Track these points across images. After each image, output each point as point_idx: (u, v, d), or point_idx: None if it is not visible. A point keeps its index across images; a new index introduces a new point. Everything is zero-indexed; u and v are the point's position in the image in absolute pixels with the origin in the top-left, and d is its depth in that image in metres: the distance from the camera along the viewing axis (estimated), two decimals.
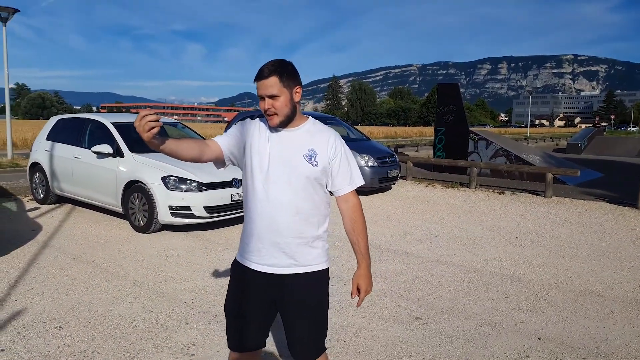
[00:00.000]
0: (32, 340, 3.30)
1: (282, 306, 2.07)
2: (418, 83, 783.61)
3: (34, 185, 8.09)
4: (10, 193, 8.51)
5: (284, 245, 1.98)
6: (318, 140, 2.00)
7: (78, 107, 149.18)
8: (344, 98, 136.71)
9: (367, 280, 2.10)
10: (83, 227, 6.54)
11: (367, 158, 9.39)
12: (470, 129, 14.21)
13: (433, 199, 9.59)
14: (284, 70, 1.92)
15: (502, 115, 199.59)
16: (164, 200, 6.00)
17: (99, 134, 7.05)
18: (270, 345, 3.32)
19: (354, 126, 11.70)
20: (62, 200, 7.94)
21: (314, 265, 2.03)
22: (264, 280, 2.03)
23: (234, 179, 6.51)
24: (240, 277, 2.09)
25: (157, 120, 1.76)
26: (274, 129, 1.99)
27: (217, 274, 4.79)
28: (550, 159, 14.06)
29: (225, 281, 4.60)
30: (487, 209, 8.70)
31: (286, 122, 1.97)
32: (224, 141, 2.04)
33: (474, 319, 3.91)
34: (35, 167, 7.97)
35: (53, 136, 7.81)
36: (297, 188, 1.95)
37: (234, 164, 2.10)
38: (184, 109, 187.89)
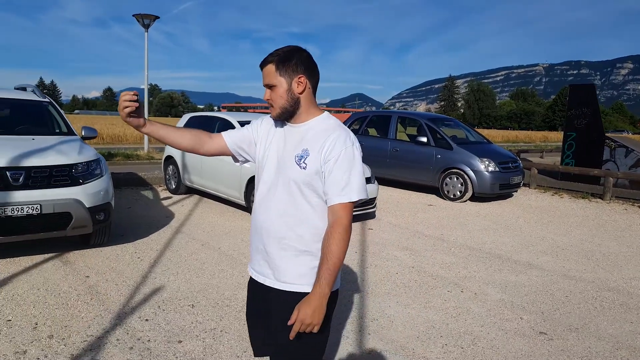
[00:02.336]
0: (170, 314, 3.67)
1: (270, 319, 1.85)
2: (544, 84, 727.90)
3: (167, 176, 8.95)
4: (147, 182, 9.52)
5: (266, 252, 1.80)
6: (317, 139, 1.72)
7: (201, 106, 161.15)
8: (460, 99, 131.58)
9: (308, 308, 1.61)
10: (210, 217, 7.10)
11: (487, 162, 8.94)
12: (607, 134, 12.85)
13: (560, 210, 8.85)
14: (284, 58, 1.71)
15: None
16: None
17: (224, 130, 7.59)
18: None
19: (474, 129, 11.19)
20: (191, 191, 8.68)
21: (297, 285, 1.74)
22: (256, 288, 1.91)
23: None
24: (249, 282, 2.00)
25: (135, 101, 1.70)
26: (279, 124, 1.84)
27: None
28: None
29: (344, 276, 4.70)
30: (625, 223, 7.82)
31: (286, 116, 1.77)
32: (230, 135, 1.92)
33: (608, 340, 3.55)
34: (169, 160, 8.82)
35: None
36: (285, 192, 1.74)
37: (248, 160, 1.97)
38: None
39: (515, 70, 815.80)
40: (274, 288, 1.79)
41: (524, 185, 10.71)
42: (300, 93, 1.74)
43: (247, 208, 6.99)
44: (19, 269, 4.46)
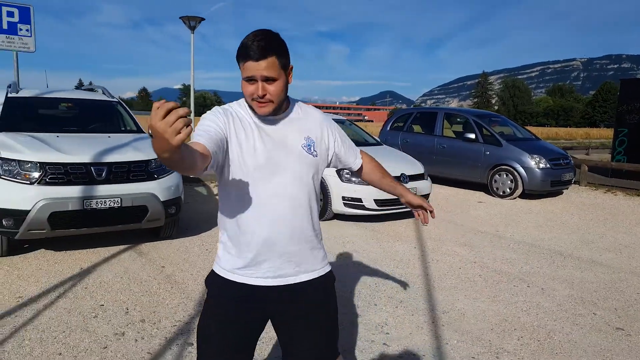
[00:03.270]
0: None
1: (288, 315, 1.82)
2: (582, 79, 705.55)
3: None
4: (198, 179, 9.81)
5: (288, 253, 1.71)
6: (313, 126, 1.75)
7: None
8: (494, 95, 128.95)
9: (413, 196, 1.98)
10: None
11: (538, 159, 8.82)
12: None
13: (615, 207, 8.65)
14: (283, 47, 1.56)
15: None
16: (338, 191, 6.40)
17: None
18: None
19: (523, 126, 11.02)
20: None
21: (323, 268, 1.84)
22: (262, 296, 1.74)
23: (402, 174, 6.67)
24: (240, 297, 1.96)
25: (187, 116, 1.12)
26: (247, 118, 1.64)
27: (394, 263, 4.98)
28: None
29: (402, 271, 4.78)
30: None
31: (278, 110, 1.63)
32: (208, 138, 1.50)
33: None
34: None
35: None
36: (295, 185, 1.66)
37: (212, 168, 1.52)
38: (326, 108, 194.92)
39: (551, 66, 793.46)
40: (299, 283, 1.71)
41: (574, 182, 10.51)
42: (289, 83, 1.63)
43: None
44: (99, 259, 4.72)
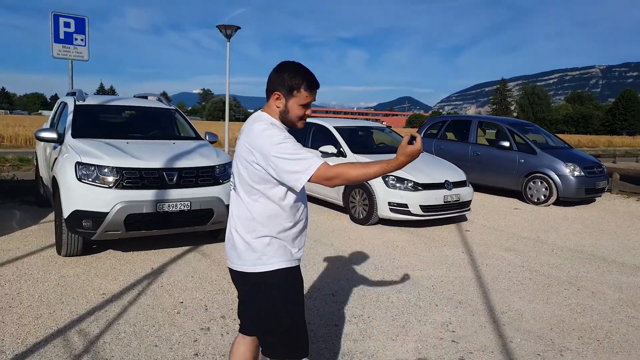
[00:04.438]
0: (316, 301, 4.08)
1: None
2: (600, 87, 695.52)
3: None
4: None
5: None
6: None
7: (251, 110, 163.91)
8: (512, 102, 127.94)
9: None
10: (310, 216, 7.52)
11: (572, 167, 8.94)
12: None
13: None
14: None
15: None
16: (384, 196, 6.63)
17: (321, 135, 8.02)
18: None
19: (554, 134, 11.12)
20: None
21: None
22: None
23: (446, 181, 6.88)
24: (301, 279, 2.22)
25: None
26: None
27: (446, 267, 5.18)
28: None
29: (454, 274, 4.98)
30: None
31: None
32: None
33: None
34: None
35: None
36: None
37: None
38: (345, 113, 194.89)
39: (569, 73, 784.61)
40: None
41: (607, 190, 10.58)
42: None
43: (344, 208, 7.38)
44: (166, 259, 5.02)
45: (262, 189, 2.01)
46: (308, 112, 2.09)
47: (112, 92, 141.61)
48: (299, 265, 2.18)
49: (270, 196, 2.02)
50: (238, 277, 2.17)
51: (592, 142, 43.59)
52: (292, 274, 2.13)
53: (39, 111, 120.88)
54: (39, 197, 7.12)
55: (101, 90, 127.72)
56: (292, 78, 2.02)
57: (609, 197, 10.60)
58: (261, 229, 2.04)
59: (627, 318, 4.01)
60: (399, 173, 6.70)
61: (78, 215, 4.58)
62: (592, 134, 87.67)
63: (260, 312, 2.12)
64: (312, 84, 2.05)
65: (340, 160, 7.41)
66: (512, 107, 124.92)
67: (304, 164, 1.90)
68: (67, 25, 8.54)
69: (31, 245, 5.32)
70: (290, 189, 2.02)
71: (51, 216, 6.52)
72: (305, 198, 2.21)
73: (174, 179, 4.84)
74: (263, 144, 1.94)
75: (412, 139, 1.89)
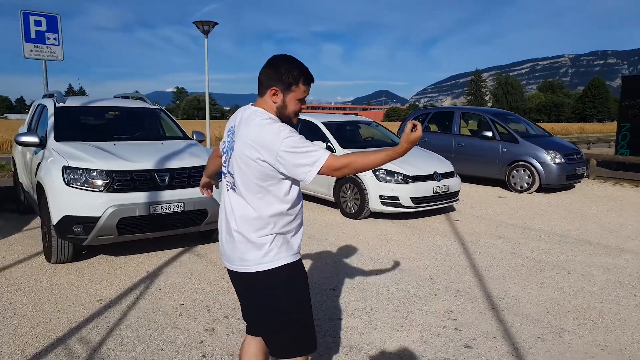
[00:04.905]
0: (319, 296, 4.09)
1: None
2: (570, 75, 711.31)
3: None
4: None
5: None
6: None
7: (227, 108, 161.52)
8: (487, 92, 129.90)
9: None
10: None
11: (553, 154, 9.15)
12: None
13: (627, 198, 9.01)
14: None
15: None
16: (375, 190, 6.68)
17: (309, 131, 7.99)
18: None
19: (535, 123, 11.33)
20: None
21: None
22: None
23: (435, 172, 6.96)
24: (305, 273, 2.22)
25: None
26: None
27: (440, 257, 5.26)
28: None
29: (449, 263, 5.05)
30: None
31: None
32: None
33: None
34: None
35: None
36: None
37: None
38: (322, 108, 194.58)
39: (540, 62, 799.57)
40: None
41: (585, 176, 10.86)
42: None
43: (335, 203, 7.40)
44: (161, 262, 4.96)
45: (267, 185, 1.99)
46: (303, 106, 2.10)
47: (81, 93, 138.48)
48: (301, 259, 2.18)
49: (275, 192, 2.01)
50: (241, 279, 2.13)
51: (565, 129, 44.62)
52: (297, 269, 2.13)
53: (5, 115, 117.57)
54: (20, 204, 6.94)
55: (70, 92, 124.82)
56: (289, 73, 1.99)
57: (588, 182, 10.88)
58: (267, 226, 2.03)
59: (617, 298, 4.14)
60: (389, 166, 6.75)
61: (68, 220, 4.49)
62: (564, 121, 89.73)
63: (269, 310, 2.10)
64: (309, 78, 2.06)
65: None
66: (487, 98, 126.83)
67: (312, 156, 1.90)
68: (38, 23, 8.24)
69: (17, 254, 5.19)
70: (294, 182, 2.03)
71: (35, 223, 6.38)
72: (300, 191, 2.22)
73: (166, 180, 4.78)
74: (269, 139, 1.91)
75: (413, 127, 1.94)
